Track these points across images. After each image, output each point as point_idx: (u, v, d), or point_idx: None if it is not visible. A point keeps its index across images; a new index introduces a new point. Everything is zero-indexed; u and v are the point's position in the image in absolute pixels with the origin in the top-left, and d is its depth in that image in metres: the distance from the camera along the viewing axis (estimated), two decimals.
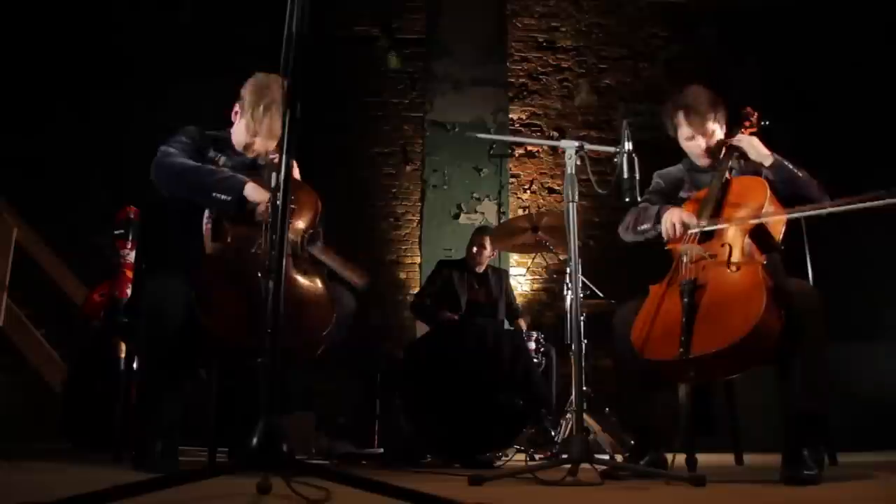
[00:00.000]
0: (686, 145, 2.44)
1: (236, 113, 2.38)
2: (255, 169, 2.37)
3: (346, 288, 2.28)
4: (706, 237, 2.16)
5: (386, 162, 5.83)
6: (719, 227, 2.15)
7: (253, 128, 2.30)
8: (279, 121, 2.21)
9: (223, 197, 2.12)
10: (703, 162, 2.42)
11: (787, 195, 2.16)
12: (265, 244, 2.06)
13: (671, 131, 2.46)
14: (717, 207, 2.20)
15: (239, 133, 2.37)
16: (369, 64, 5.95)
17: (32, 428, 3.76)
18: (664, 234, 2.25)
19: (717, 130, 2.39)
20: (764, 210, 2.11)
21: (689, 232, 2.18)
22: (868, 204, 1.93)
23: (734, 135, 2.36)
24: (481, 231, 4.20)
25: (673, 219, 2.21)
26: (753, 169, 2.31)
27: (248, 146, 2.35)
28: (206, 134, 2.39)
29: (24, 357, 4.30)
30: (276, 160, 2.15)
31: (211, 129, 2.43)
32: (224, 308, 1.98)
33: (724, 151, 2.37)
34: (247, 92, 2.33)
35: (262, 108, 2.27)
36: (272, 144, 2.34)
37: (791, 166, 2.21)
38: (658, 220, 2.29)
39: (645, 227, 2.35)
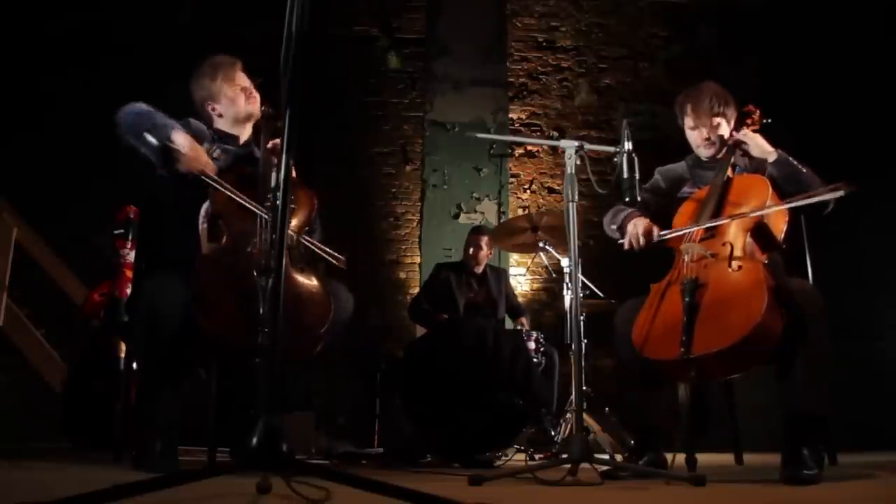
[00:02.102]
0: (689, 134, 2.47)
1: (213, 108, 2.44)
2: (251, 162, 2.38)
3: (343, 286, 2.27)
4: (707, 236, 2.16)
5: (386, 162, 5.83)
6: (685, 231, 2.16)
7: (232, 89, 2.40)
8: (235, 71, 2.42)
9: (152, 140, 2.12)
10: (704, 153, 2.43)
11: (790, 191, 2.15)
12: (261, 243, 2.07)
13: (679, 121, 2.50)
14: (717, 206, 2.21)
15: (228, 108, 2.43)
16: (369, 64, 5.94)
17: (32, 428, 3.76)
18: (628, 242, 2.29)
19: (723, 125, 2.41)
20: (766, 208, 2.10)
21: (653, 240, 2.20)
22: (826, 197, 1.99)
23: (737, 132, 2.37)
24: (477, 231, 4.18)
25: (637, 231, 2.25)
26: (756, 167, 2.31)
27: (249, 115, 2.42)
28: (209, 129, 2.41)
29: (24, 357, 4.30)
30: (272, 155, 2.20)
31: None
32: (220, 307, 1.98)
33: (725, 149, 2.37)
34: (204, 81, 2.44)
35: (224, 71, 2.41)
36: (256, 99, 2.43)
37: (795, 162, 2.20)
38: (622, 228, 2.33)
39: (613, 227, 2.41)
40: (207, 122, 2.46)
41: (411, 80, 5.95)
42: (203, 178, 2.12)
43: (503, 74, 5.97)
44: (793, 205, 2.11)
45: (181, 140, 2.12)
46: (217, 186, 2.14)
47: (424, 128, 5.82)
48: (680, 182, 2.51)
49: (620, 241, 2.35)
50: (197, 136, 2.34)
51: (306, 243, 2.30)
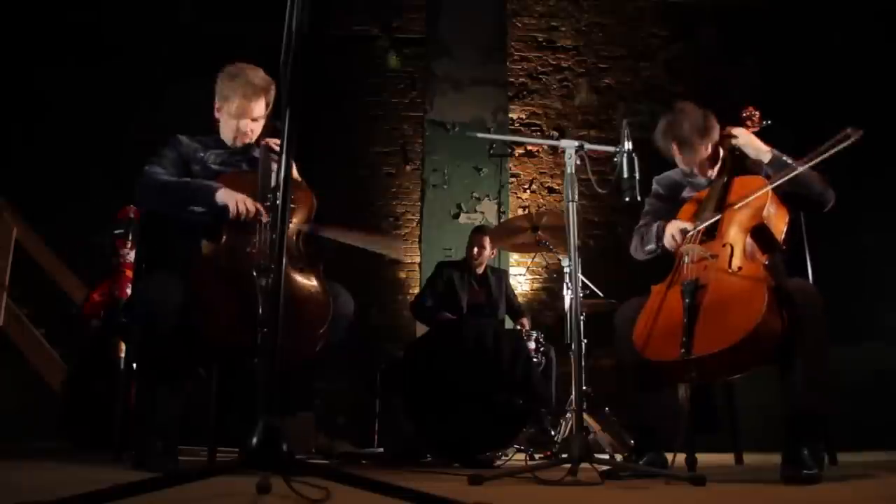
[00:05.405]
0: (682, 168, 2.45)
1: (218, 109, 2.41)
2: (251, 163, 2.37)
3: (343, 286, 2.27)
4: (708, 237, 2.16)
5: (386, 162, 5.83)
6: (712, 220, 2.15)
7: (232, 112, 2.34)
8: (257, 100, 2.32)
9: (198, 209, 2.15)
10: (702, 179, 2.42)
11: (789, 190, 2.15)
12: (260, 243, 2.07)
13: (664, 151, 2.44)
14: (718, 207, 2.20)
15: (224, 124, 2.40)
16: (369, 64, 5.95)
17: (32, 428, 3.76)
18: (668, 247, 2.28)
19: (710, 146, 2.37)
20: (766, 209, 2.11)
21: (689, 234, 2.19)
22: (836, 149, 1.98)
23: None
24: (480, 231, 4.18)
25: (671, 230, 2.25)
26: (755, 168, 2.31)
27: (236, 132, 2.37)
28: (197, 139, 2.40)
29: (24, 357, 4.30)
30: (271, 150, 2.19)
31: (207, 130, 2.45)
32: (219, 308, 1.98)
33: (722, 153, 2.37)
34: (220, 83, 2.37)
35: (236, 90, 2.32)
36: (258, 127, 2.37)
37: (790, 161, 2.19)
38: (660, 238, 2.32)
39: (650, 247, 2.39)
40: (214, 120, 2.44)
41: (411, 80, 5.95)
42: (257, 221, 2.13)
43: (503, 74, 5.97)
44: (775, 183, 2.08)
45: (225, 197, 2.13)
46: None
47: (424, 128, 5.82)
48: (677, 187, 2.51)
49: (661, 247, 2.31)
50: (188, 151, 2.34)
51: (351, 242, 2.31)
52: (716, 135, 2.37)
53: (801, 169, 2.06)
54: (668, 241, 2.26)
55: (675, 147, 2.39)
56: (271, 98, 2.37)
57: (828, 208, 2.18)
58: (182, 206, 2.17)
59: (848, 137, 1.96)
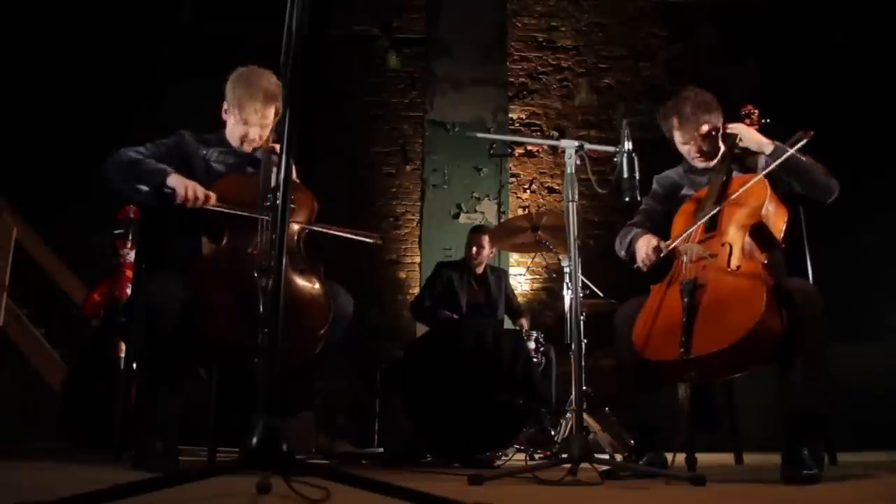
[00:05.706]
0: (681, 149, 2.45)
1: (226, 111, 2.41)
2: (253, 163, 2.37)
3: (343, 287, 2.27)
4: (707, 236, 2.16)
5: (386, 162, 5.83)
6: (709, 216, 2.16)
7: (242, 118, 2.33)
8: (268, 108, 2.30)
9: (144, 188, 2.15)
10: (699, 164, 2.42)
11: (794, 182, 2.15)
12: (261, 244, 2.07)
13: (667, 133, 2.47)
14: (716, 204, 2.20)
15: (231, 128, 2.39)
16: (369, 64, 5.95)
17: (32, 428, 3.76)
18: (641, 265, 2.29)
19: (709, 127, 2.38)
20: (765, 207, 2.11)
21: (662, 254, 2.21)
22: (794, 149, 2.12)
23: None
24: (478, 230, 4.18)
25: (646, 250, 2.26)
26: (752, 168, 2.31)
27: (243, 138, 2.36)
28: (200, 136, 2.40)
29: (24, 357, 4.30)
30: (274, 152, 2.19)
31: (209, 129, 2.44)
32: (219, 308, 1.99)
33: (722, 149, 2.37)
34: (231, 86, 2.36)
35: (248, 97, 2.31)
36: (266, 133, 2.37)
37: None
38: (630, 251, 2.34)
39: (623, 254, 2.42)
40: (220, 122, 2.44)
41: (411, 80, 5.96)
42: (206, 209, 2.13)
43: (503, 74, 5.98)
44: (768, 169, 2.11)
45: (175, 182, 2.13)
46: (221, 210, 2.14)
47: (424, 128, 5.83)
48: (676, 187, 2.51)
49: (636, 266, 2.32)
50: (191, 147, 2.34)
51: (334, 234, 2.29)
52: (717, 117, 2.37)
53: (793, 150, 2.09)
54: (641, 260, 2.28)
55: (675, 121, 2.39)
56: (281, 104, 2.36)
57: (831, 200, 2.18)
58: (131, 183, 2.18)
59: (801, 139, 2.09)
